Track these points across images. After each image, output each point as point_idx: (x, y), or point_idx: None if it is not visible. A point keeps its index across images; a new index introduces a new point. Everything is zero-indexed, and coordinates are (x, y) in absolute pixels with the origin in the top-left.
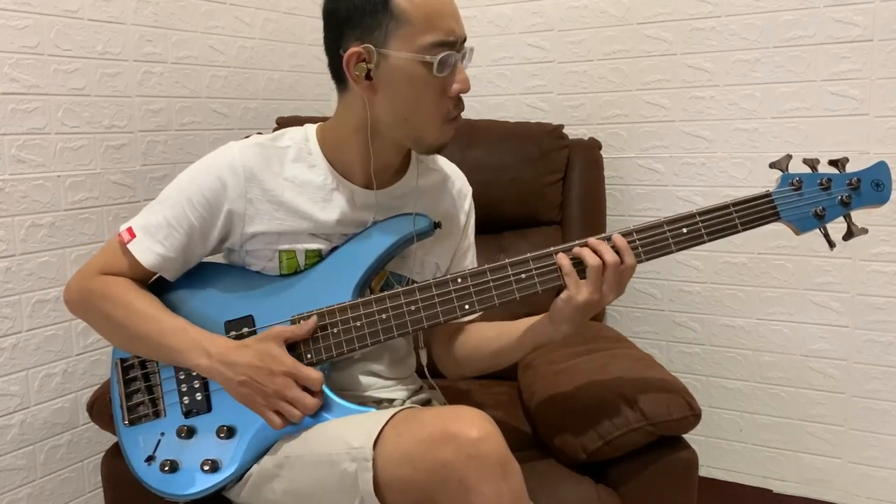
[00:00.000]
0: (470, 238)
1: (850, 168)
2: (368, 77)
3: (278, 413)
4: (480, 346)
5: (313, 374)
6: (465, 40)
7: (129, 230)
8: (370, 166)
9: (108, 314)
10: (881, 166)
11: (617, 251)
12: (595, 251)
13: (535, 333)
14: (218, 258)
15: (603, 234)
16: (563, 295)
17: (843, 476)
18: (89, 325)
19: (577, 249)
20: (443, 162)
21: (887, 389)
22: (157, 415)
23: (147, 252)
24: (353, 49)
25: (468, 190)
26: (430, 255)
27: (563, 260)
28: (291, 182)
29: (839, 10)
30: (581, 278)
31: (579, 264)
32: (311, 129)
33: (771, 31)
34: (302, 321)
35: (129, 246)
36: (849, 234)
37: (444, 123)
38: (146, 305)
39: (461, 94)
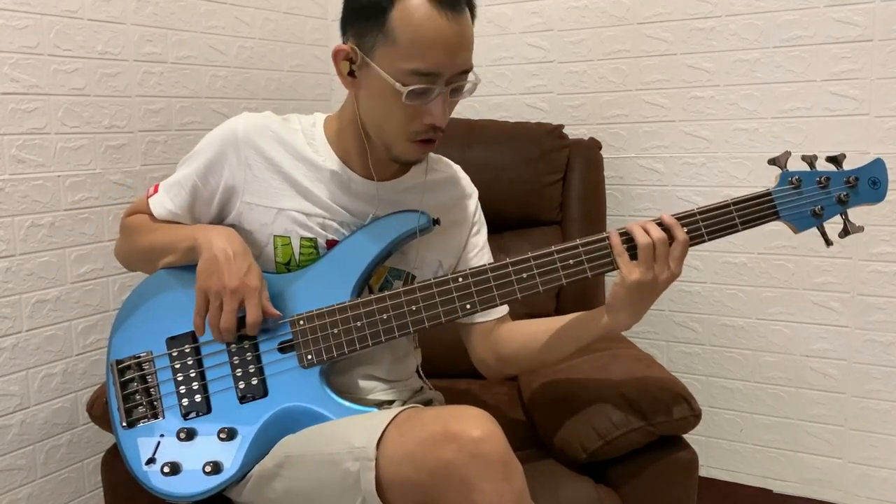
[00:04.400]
0: (481, 237)
1: (848, 165)
2: (353, 74)
3: (208, 306)
4: (529, 342)
5: (255, 311)
6: (465, 72)
7: (156, 186)
8: (367, 158)
9: (135, 240)
10: (878, 164)
11: (665, 229)
12: (644, 229)
13: (590, 324)
14: None
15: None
16: (616, 278)
17: (843, 476)
18: (133, 264)
19: (628, 226)
20: (448, 162)
21: (887, 389)
22: (155, 416)
23: (159, 206)
24: (343, 45)
25: (473, 191)
26: (430, 252)
27: (615, 239)
28: (293, 156)
29: (839, 10)
30: (632, 259)
31: (632, 246)
32: (319, 117)
33: (771, 31)
34: (302, 321)
35: (149, 199)
36: (845, 232)
37: (409, 142)
38: (161, 224)
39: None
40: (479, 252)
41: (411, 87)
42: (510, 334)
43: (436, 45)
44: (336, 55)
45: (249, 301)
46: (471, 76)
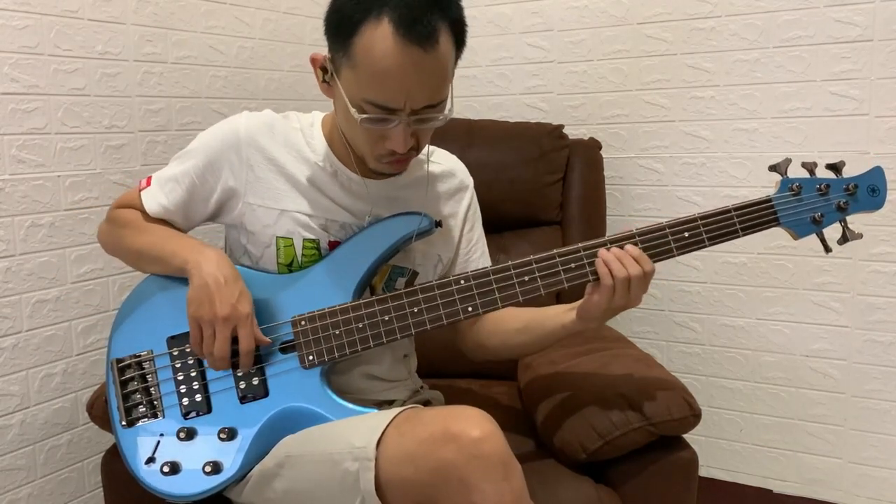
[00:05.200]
0: (477, 231)
1: (849, 170)
2: (327, 81)
3: (202, 335)
4: (509, 338)
5: (248, 339)
6: (432, 106)
7: (148, 179)
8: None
9: (122, 236)
10: (877, 172)
11: (636, 260)
12: (622, 263)
13: (563, 327)
14: None
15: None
16: (594, 301)
17: (843, 476)
18: (114, 254)
19: (606, 258)
20: (443, 155)
21: (887, 389)
22: (154, 416)
23: (152, 201)
24: (318, 55)
25: (469, 182)
26: (432, 248)
27: (602, 269)
28: (294, 156)
29: (839, 10)
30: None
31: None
32: (317, 116)
33: (771, 31)
34: (303, 321)
35: (141, 193)
36: (844, 239)
37: (376, 161)
38: (152, 225)
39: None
40: (474, 246)
41: (366, 116)
42: (494, 327)
43: (394, 81)
44: (312, 62)
45: (242, 329)
46: (447, 108)
